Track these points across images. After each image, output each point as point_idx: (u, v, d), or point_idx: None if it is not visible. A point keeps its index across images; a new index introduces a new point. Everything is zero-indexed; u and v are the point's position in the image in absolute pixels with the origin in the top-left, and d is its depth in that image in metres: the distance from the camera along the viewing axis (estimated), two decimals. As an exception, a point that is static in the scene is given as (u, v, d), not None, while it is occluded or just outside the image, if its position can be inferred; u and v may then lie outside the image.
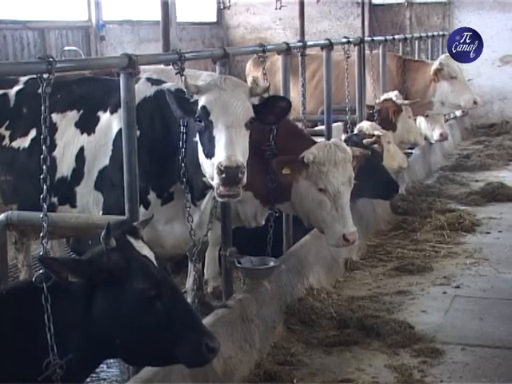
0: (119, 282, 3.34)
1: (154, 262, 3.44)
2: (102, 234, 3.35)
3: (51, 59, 3.65)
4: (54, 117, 5.10)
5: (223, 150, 4.45)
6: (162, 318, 3.34)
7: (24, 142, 5.19)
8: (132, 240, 3.45)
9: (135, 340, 3.36)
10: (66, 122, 5.10)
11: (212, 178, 4.50)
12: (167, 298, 3.37)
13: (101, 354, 3.49)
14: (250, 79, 11.53)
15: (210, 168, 4.53)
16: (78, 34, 14.18)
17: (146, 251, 3.45)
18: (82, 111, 5.13)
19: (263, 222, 6.01)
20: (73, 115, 5.13)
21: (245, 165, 4.47)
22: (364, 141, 7.48)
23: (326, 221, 5.59)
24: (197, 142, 4.64)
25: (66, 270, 3.30)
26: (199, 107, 4.61)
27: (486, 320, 5.96)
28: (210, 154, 4.54)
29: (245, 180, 4.46)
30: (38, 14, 13.23)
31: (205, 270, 6.48)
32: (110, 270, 3.34)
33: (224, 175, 4.37)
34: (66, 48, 13.51)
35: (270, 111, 4.93)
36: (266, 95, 5.12)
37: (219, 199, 4.63)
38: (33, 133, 5.14)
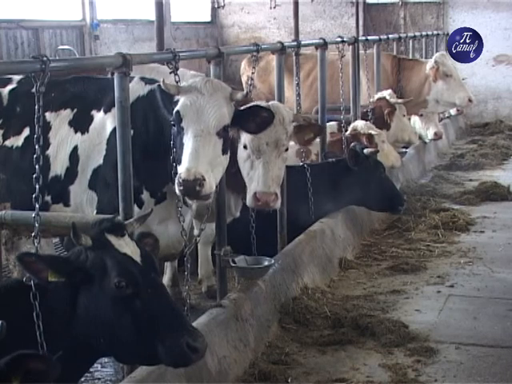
0: (97, 280, 3.34)
1: (137, 260, 3.40)
2: (71, 232, 3.35)
3: (45, 58, 3.64)
4: (48, 116, 5.09)
5: (186, 161, 4.49)
6: (141, 317, 3.31)
7: (17, 141, 5.18)
8: (112, 238, 3.42)
9: (117, 339, 3.34)
10: (59, 121, 5.10)
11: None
12: (147, 296, 3.33)
13: (91, 353, 3.48)
14: (244, 78, 11.55)
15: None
16: (72, 33, 14.16)
17: (127, 249, 3.42)
18: (75, 110, 5.13)
19: (238, 214, 5.97)
20: (66, 114, 5.13)
21: (208, 175, 4.47)
22: (365, 150, 7.50)
23: (246, 179, 5.46)
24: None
25: (43, 266, 3.29)
26: (174, 111, 4.62)
27: (479, 319, 5.96)
28: (179, 161, 4.58)
29: (205, 191, 4.47)
30: (31, 13, 13.20)
31: (198, 270, 6.48)
32: (87, 269, 3.34)
33: (182, 188, 4.44)
34: (60, 47, 13.49)
35: (251, 119, 4.94)
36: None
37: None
38: (26, 131, 5.13)
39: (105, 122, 5.00)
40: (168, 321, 3.33)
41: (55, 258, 3.46)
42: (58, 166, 5.05)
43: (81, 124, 5.09)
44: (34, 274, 3.29)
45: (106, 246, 3.39)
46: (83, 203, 5.03)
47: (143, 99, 4.96)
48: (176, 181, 4.49)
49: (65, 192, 5.07)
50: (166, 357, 3.34)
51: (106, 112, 5.02)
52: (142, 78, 5.11)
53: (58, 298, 3.37)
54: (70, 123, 5.11)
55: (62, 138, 5.08)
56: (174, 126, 4.64)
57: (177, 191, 4.53)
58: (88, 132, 5.05)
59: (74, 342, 3.37)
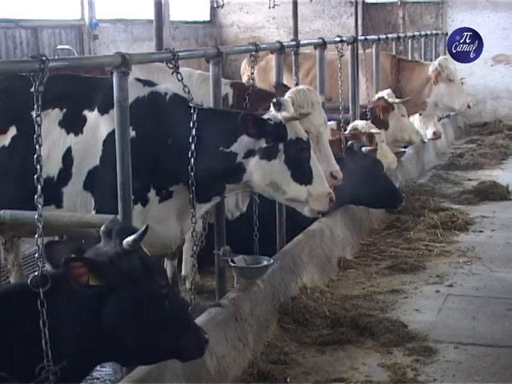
0: (135, 282, 3.34)
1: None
2: (136, 235, 3.33)
3: (44, 58, 3.64)
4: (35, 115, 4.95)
5: (325, 182, 5.13)
6: (170, 315, 3.42)
7: (3, 141, 5.01)
8: None
9: (146, 338, 3.37)
10: (48, 122, 4.89)
11: (296, 200, 5.04)
12: (170, 295, 3.46)
13: (100, 356, 3.47)
14: (245, 78, 11.54)
15: (300, 192, 4.99)
16: (71, 32, 14.15)
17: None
18: (64, 110, 4.99)
19: (245, 209, 6.00)
20: (55, 114, 4.97)
21: None
22: (363, 149, 7.52)
23: None
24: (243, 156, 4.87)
25: (87, 270, 3.24)
26: (303, 138, 5.02)
27: (478, 319, 5.97)
28: (304, 181, 5.00)
29: None
30: (30, 13, 13.19)
31: (183, 266, 6.47)
32: (129, 272, 3.34)
33: (332, 203, 5.11)
34: (59, 47, 13.47)
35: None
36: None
37: (310, 215, 5.22)
38: (13, 131, 4.98)
39: (100, 122, 4.90)
40: (186, 317, 3.54)
41: (100, 262, 3.34)
42: (50, 168, 4.90)
43: (73, 125, 4.96)
44: (75, 279, 3.23)
45: (139, 248, 3.43)
46: (77, 205, 4.93)
47: (143, 100, 4.90)
48: (327, 199, 5.05)
49: (57, 194, 4.94)
50: (186, 351, 3.50)
51: (100, 112, 4.90)
52: (139, 80, 5.05)
53: (76, 302, 3.30)
54: (61, 124, 4.97)
55: (53, 140, 4.92)
56: (301, 150, 4.97)
57: (322, 207, 5.10)
58: (82, 133, 4.93)
59: (88, 347, 3.32)
